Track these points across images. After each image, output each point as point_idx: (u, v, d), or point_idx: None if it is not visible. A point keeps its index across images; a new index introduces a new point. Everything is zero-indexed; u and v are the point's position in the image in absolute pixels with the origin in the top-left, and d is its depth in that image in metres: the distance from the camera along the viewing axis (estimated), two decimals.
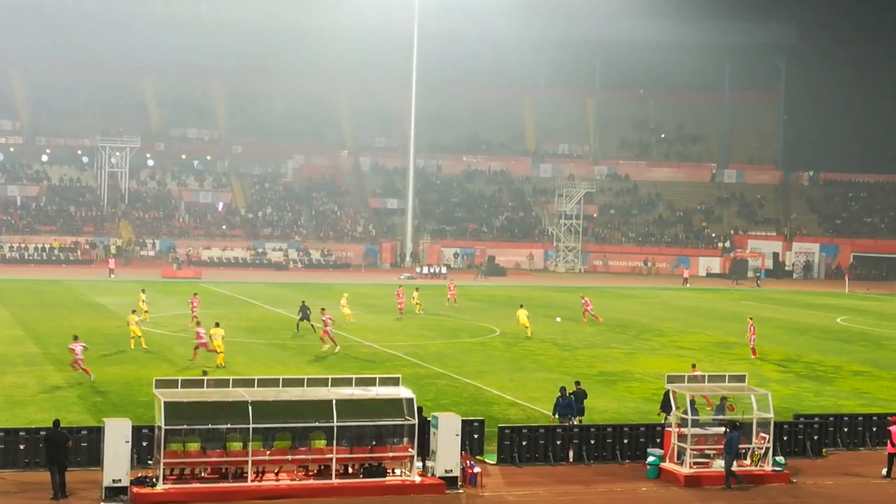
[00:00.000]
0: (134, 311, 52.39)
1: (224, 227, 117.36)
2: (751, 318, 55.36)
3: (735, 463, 29.44)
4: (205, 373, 35.79)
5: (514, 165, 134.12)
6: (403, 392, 28.77)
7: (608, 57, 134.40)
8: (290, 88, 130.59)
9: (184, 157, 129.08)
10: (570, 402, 33.65)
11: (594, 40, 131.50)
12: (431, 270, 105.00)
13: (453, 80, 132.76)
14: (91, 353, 45.34)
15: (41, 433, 28.61)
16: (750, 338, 53.61)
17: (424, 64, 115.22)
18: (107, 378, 42.50)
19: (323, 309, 52.84)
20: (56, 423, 28.01)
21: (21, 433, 29.36)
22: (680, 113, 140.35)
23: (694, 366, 39.98)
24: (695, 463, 29.90)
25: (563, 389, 34.22)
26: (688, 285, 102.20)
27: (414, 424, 28.08)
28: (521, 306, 61.44)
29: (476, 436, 31.42)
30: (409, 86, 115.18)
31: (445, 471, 28.26)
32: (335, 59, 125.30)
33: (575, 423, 33.22)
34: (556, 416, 33.67)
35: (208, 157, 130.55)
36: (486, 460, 30.94)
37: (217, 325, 47.33)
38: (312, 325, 56.59)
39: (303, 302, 59.62)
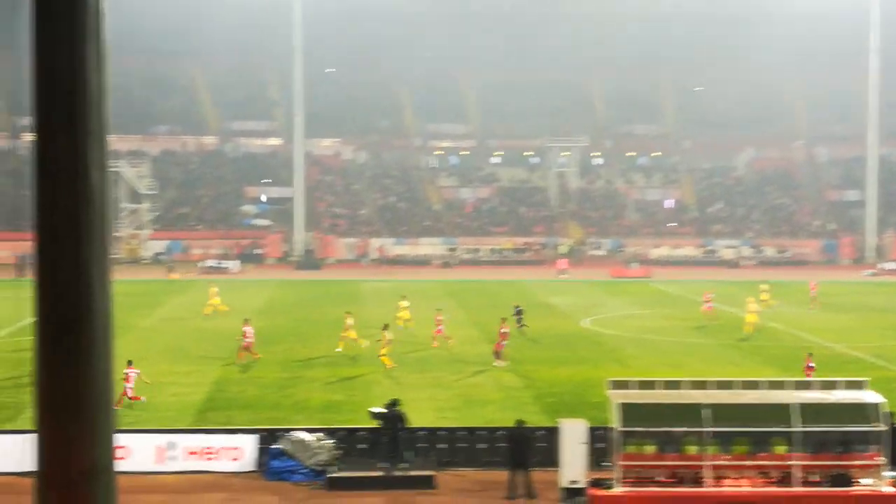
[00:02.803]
0: (348, 312, 50.08)
1: (673, 224, 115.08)
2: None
3: None
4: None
5: None
6: (871, 396, 26.86)
7: None
8: (739, 77, 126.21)
9: (632, 154, 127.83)
10: None
11: None
12: None
13: None
14: (544, 353, 46.97)
15: (499, 432, 29.64)
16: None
17: (883, 44, 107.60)
18: (559, 378, 42.66)
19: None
20: (520, 422, 28.49)
21: (480, 432, 30.34)
22: None
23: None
24: None
25: None
26: None
27: (883, 431, 26.29)
28: None
29: None
30: (865, 69, 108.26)
31: None
32: (787, 45, 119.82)
33: None
34: None
35: (656, 154, 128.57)
36: None
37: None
38: (522, 326, 53.60)
39: (517, 306, 56.25)
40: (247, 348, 45.21)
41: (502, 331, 45.90)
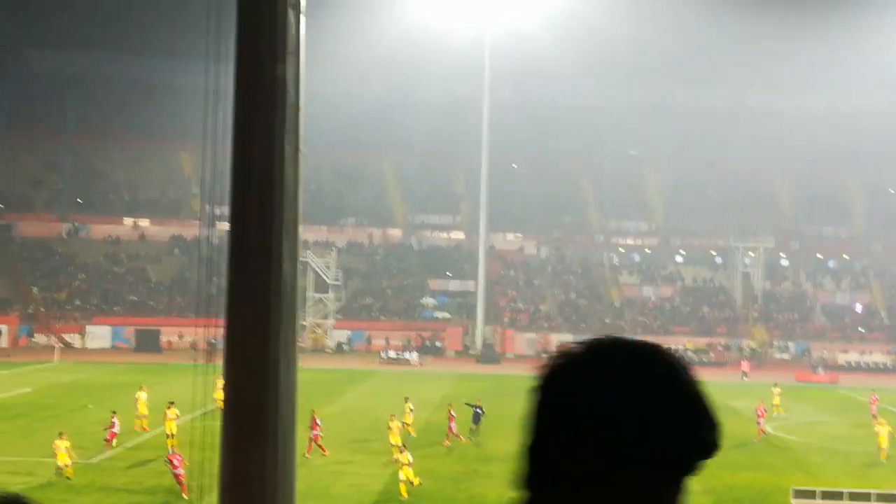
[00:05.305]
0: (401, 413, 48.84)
1: (862, 329, 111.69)
2: None
3: None
4: None
5: None
6: None
7: None
8: None
9: (819, 255, 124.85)
10: None
11: None
12: None
13: None
14: (725, 457, 45.27)
15: None
16: None
17: None
18: (739, 483, 41.24)
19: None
20: None
21: None
22: None
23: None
24: None
25: None
26: None
27: None
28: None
29: None
30: None
31: None
32: None
33: None
34: None
35: (845, 256, 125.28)
36: None
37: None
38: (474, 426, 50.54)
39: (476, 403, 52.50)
40: (314, 440, 44.32)
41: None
